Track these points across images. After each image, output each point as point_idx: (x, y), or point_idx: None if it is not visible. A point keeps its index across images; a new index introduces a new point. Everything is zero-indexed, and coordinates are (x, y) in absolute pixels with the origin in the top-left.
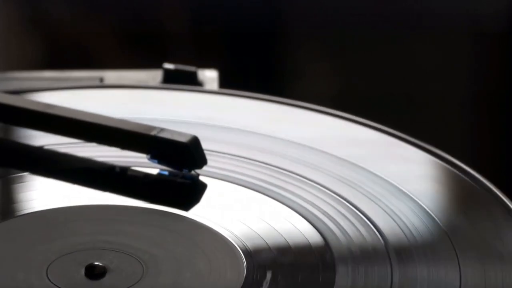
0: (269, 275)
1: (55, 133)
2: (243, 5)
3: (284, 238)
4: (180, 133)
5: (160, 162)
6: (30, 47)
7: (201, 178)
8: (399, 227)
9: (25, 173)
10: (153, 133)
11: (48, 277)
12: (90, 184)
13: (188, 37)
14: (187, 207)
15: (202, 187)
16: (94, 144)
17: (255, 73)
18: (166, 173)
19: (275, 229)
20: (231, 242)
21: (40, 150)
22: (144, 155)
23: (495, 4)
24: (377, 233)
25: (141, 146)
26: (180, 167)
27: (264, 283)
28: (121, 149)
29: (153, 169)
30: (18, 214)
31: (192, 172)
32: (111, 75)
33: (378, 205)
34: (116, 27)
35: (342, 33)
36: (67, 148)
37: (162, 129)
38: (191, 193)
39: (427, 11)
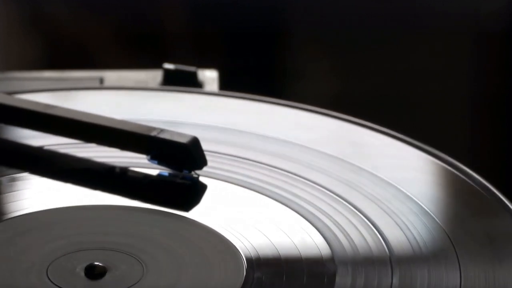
0: (269, 275)
1: (55, 133)
2: (243, 5)
3: (284, 239)
4: (180, 134)
5: (160, 163)
6: (30, 47)
7: (201, 178)
8: (400, 227)
9: (25, 173)
10: (153, 133)
11: (48, 277)
12: (90, 185)
13: (188, 37)
14: (187, 208)
15: (202, 187)
16: (94, 144)
17: (255, 73)
18: (166, 174)
19: (275, 229)
20: (231, 242)
21: (40, 151)
22: (144, 156)
23: (495, 4)
24: (377, 233)
25: (141, 146)
26: (180, 168)
27: (264, 284)
28: (121, 150)
29: (153, 170)
30: (18, 214)
31: (192, 173)
32: (111, 75)
33: (379, 206)
34: (116, 27)
35: (342, 33)
36: (67, 149)
37: (162, 130)
38: (191, 194)
39: (427, 11)
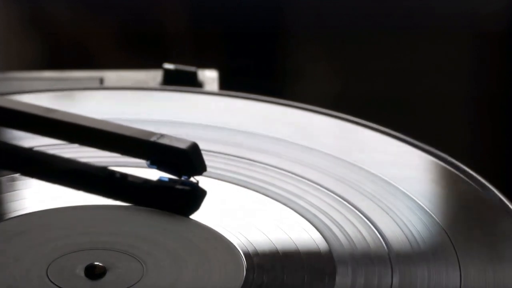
0: (268, 275)
1: (55, 137)
2: (243, 5)
3: (284, 239)
4: (179, 139)
5: (160, 168)
6: (30, 47)
7: (201, 179)
8: (400, 227)
9: (26, 175)
10: (152, 139)
11: (48, 277)
12: (90, 190)
13: (188, 37)
14: (187, 211)
15: (202, 191)
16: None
17: (255, 73)
18: (166, 179)
19: (274, 229)
20: (231, 243)
21: (40, 152)
22: (143, 161)
23: (495, 4)
24: (377, 233)
25: (141, 152)
26: (180, 173)
27: (264, 284)
28: (121, 155)
29: (153, 175)
30: (18, 214)
31: (192, 179)
32: (111, 75)
33: (379, 206)
34: (116, 27)
35: (342, 33)
36: (67, 150)
37: (161, 135)
38: (191, 197)
39: (427, 11)
